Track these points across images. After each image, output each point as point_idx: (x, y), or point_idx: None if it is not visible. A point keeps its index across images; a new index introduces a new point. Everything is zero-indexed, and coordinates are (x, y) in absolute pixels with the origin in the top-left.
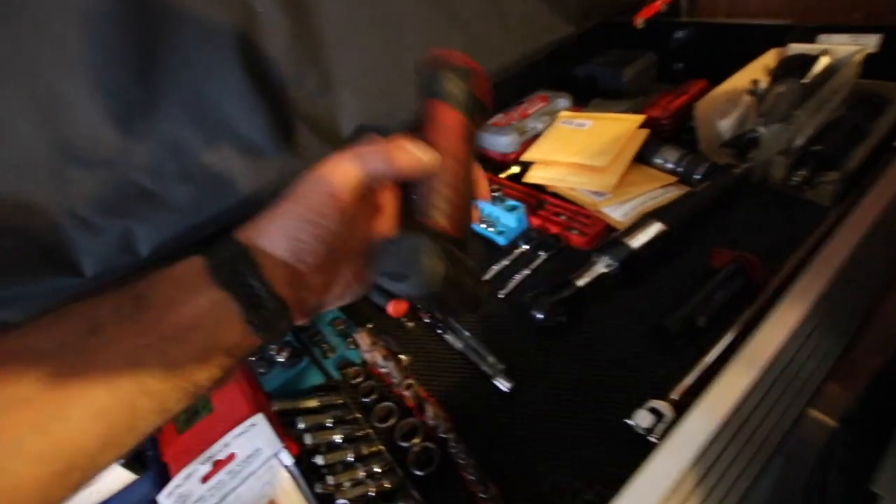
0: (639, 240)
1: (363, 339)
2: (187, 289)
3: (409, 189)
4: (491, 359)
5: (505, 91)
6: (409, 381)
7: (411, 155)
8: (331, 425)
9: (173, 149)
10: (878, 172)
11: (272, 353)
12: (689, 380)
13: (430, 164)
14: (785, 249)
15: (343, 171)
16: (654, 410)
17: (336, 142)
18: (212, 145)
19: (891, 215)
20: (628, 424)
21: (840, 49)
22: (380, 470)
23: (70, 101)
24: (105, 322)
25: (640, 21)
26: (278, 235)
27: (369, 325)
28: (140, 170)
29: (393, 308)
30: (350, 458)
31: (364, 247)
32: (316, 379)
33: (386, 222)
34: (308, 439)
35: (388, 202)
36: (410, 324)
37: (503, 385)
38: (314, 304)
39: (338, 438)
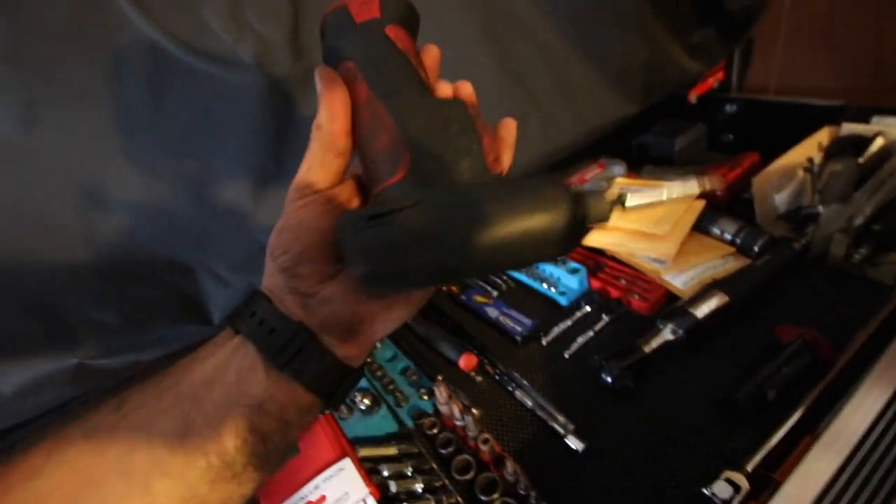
0: (702, 310)
1: (441, 391)
2: (210, 347)
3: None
4: (561, 418)
5: (566, 160)
6: (486, 435)
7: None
8: (410, 474)
9: None
10: None
11: (355, 399)
12: (762, 453)
13: (322, 130)
14: (848, 327)
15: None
16: (730, 482)
17: None
18: None
19: None
20: (705, 494)
21: (895, 131)
22: None
23: (218, 174)
24: (130, 394)
25: (693, 97)
26: (271, 265)
27: (440, 377)
28: (264, 230)
29: (464, 362)
30: None
31: None
32: (389, 426)
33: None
34: (393, 487)
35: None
36: (479, 378)
37: (575, 445)
38: (346, 319)
39: (418, 488)
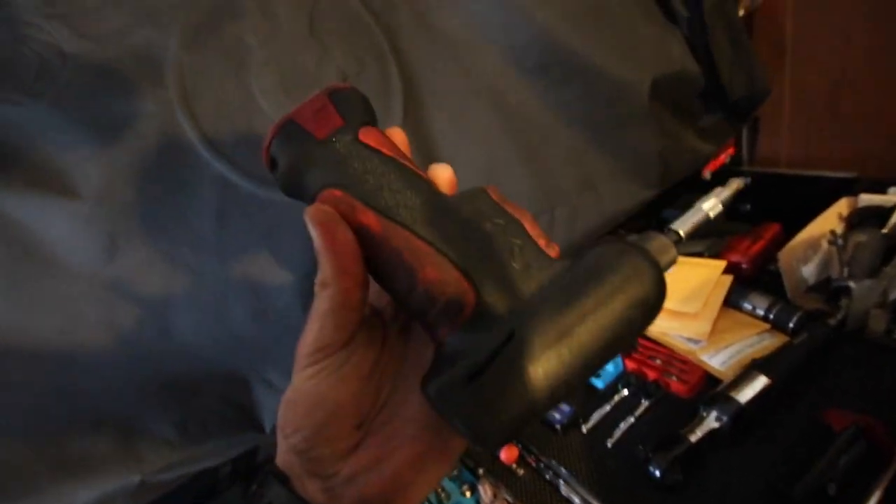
0: (746, 394)
1: (486, 490)
2: None
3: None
4: None
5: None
6: None
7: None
8: None
9: None
10: None
11: None
12: None
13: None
14: None
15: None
16: None
17: None
18: None
19: None
20: None
21: None
22: None
23: (273, 286)
24: None
25: (707, 173)
26: (283, 444)
27: (481, 471)
28: None
29: (505, 454)
30: None
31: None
32: None
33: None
34: None
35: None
36: (521, 471)
37: None
38: (379, 497)
39: None
